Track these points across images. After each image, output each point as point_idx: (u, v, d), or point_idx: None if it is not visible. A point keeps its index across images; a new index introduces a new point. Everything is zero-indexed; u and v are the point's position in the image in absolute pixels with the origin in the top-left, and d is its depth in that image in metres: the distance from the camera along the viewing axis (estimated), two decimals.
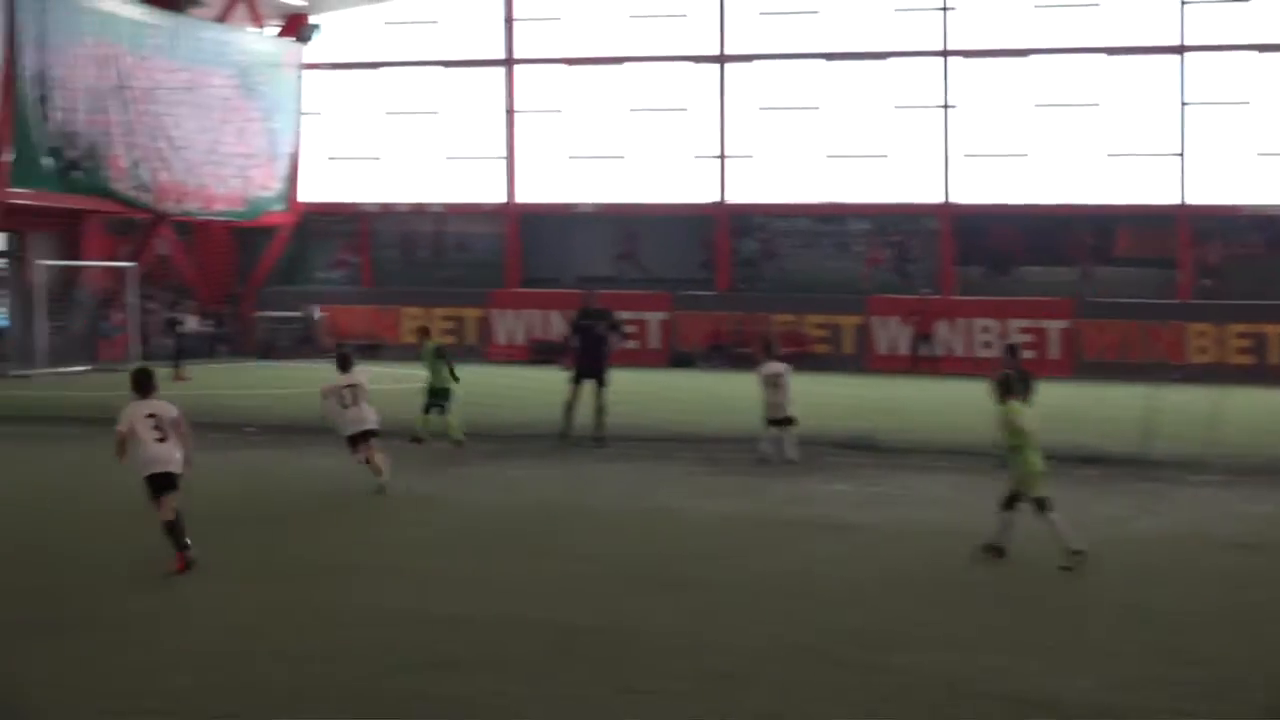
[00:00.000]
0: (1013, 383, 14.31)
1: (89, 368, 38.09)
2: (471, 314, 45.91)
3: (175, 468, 12.78)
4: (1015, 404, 13.96)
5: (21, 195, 38.10)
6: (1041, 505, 13.54)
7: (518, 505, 16.87)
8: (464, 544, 14.30)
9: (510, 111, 47.46)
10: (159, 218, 43.66)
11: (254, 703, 8.79)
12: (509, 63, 47.40)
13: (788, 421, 20.77)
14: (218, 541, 13.63)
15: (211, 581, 12.28)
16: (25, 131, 37.75)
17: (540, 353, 41.27)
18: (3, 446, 21.87)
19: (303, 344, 46.26)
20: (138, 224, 44.36)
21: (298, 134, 48.54)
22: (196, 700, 8.82)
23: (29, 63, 37.68)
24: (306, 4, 47.75)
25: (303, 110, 48.74)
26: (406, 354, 44.37)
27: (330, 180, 49.29)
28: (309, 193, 49.06)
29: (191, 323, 43.81)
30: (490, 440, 22.96)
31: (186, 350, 37.32)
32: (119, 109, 40.86)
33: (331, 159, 49.34)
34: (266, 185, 47.21)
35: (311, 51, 48.63)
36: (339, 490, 17.78)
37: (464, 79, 48.06)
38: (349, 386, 17.71)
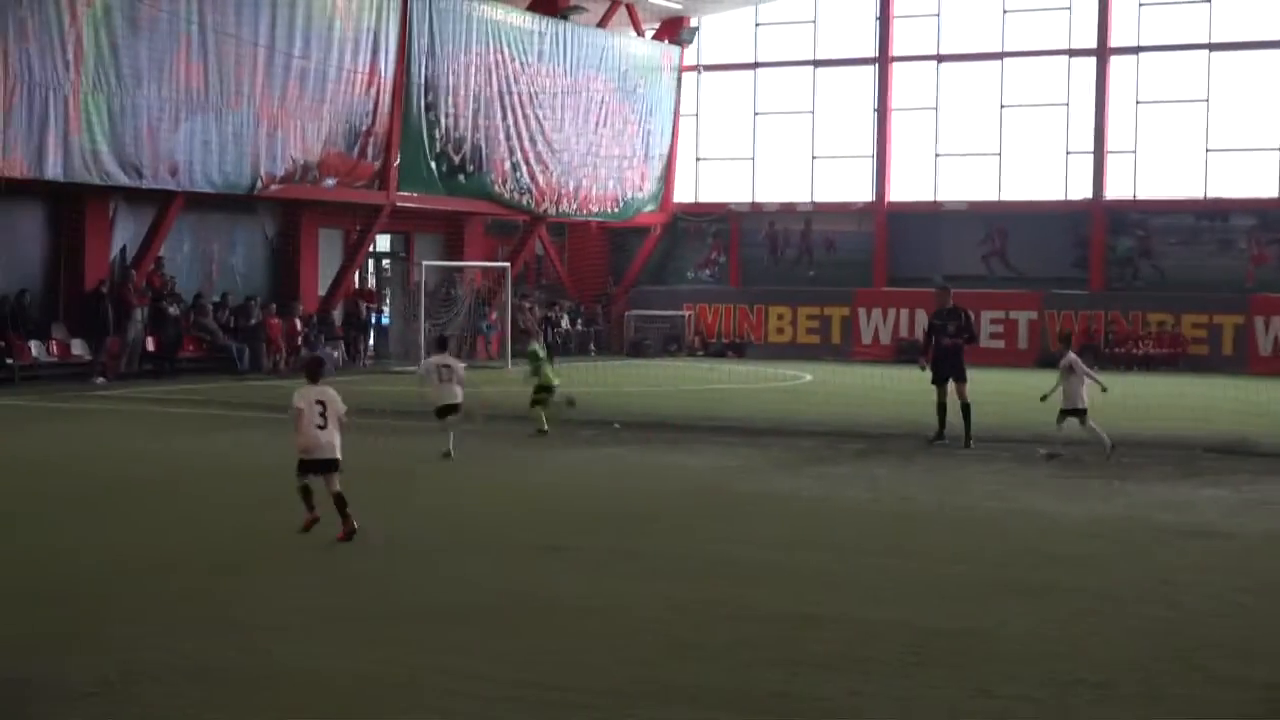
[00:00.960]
0: None
1: (465, 365, 39.41)
2: (837, 313, 45.97)
3: (328, 453, 13.71)
4: None
5: (409, 198, 39.88)
6: None
7: (881, 505, 16.86)
8: (824, 541, 14.37)
9: (884, 110, 47.28)
10: (537, 219, 45.07)
11: (616, 694, 9.03)
12: (883, 61, 47.25)
13: (1081, 413, 20.73)
14: (611, 538, 14.41)
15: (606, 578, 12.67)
16: (414, 137, 39.50)
17: (905, 352, 41.11)
18: (409, 439, 22.84)
19: (670, 342, 47.08)
20: (516, 225, 45.88)
21: (673, 135, 49.41)
22: (575, 690, 9.12)
23: (419, 71, 39.42)
24: (683, 7, 48.54)
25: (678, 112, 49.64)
26: (771, 353, 44.85)
27: (700, 179, 50.04)
28: (680, 192, 49.93)
29: (565, 321, 45.07)
30: (856, 439, 23.07)
31: (559, 348, 38.46)
32: (502, 114, 42.32)
33: (700, 159, 50.08)
34: (640, 186, 48.21)
35: (688, 54, 49.46)
36: (704, 487, 18.07)
37: (835, 78, 48.13)
38: (444, 366, 20.34)
